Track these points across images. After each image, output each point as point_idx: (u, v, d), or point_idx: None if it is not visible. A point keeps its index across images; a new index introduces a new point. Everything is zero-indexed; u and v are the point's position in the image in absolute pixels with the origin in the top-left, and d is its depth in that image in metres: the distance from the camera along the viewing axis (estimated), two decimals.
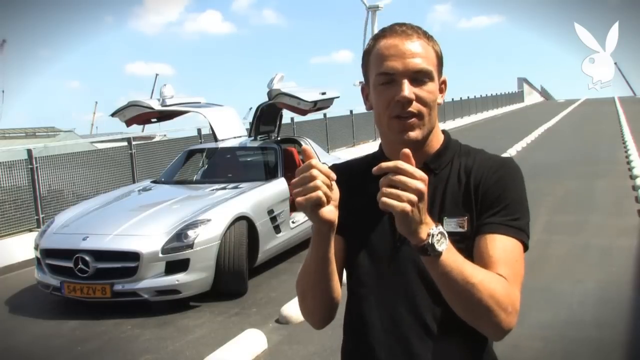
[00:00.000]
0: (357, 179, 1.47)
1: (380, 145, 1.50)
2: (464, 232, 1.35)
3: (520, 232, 1.34)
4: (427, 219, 1.18)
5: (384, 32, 1.40)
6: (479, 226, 1.35)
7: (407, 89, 1.33)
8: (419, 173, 1.14)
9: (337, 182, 1.46)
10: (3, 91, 69.10)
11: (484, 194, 1.37)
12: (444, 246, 1.18)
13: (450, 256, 1.20)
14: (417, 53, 1.35)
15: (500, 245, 1.32)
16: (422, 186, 1.14)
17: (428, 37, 1.40)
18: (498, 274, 1.27)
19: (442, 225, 1.33)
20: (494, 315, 1.24)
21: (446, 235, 1.19)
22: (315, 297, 1.40)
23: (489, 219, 1.34)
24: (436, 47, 1.41)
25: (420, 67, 1.35)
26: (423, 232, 1.17)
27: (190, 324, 5.22)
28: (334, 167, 1.52)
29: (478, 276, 1.23)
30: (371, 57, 1.40)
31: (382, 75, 1.36)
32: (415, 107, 1.35)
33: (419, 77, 1.35)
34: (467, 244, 1.34)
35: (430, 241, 1.17)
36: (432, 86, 1.37)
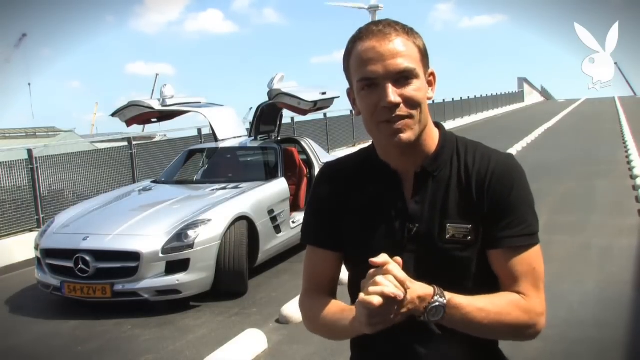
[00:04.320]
0: (353, 178, 1.44)
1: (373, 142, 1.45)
2: (468, 242, 1.34)
3: (534, 237, 1.35)
4: (417, 295, 1.22)
5: (360, 34, 1.34)
6: (495, 240, 1.33)
7: (392, 94, 1.28)
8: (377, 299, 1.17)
9: (332, 182, 1.47)
10: (30, 84, 69.67)
11: (492, 204, 1.34)
12: (440, 315, 1.24)
13: (449, 317, 1.24)
14: (397, 53, 1.29)
15: (519, 259, 1.33)
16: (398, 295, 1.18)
17: (408, 32, 1.33)
18: (516, 291, 1.31)
19: (446, 231, 1.34)
20: (517, 335, 1.33)
21: (444, 303, 1.23)
22: (334, 338, 1.47)
23: (503, 232, 1.33)
24: (418, 42, 1.34)
25: (403, 67, 1.29)
26: (420, 307, 1.23)
27: (190, 324, 5.22)
28: (327, 167, 1.52)
29: (489, 315, 1.27)
30: (351, 61, 1.35)
31: (364, 81, 1.31)
32: (403, 109, 1.30)
33: (403, 77, 1.30)
34: (471, 252, 1.34)
35: (426, 317, 1.24)
36: (418, 84, 1.31)
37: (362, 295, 1.18)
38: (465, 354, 1.36)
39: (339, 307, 1.39)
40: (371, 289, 1.17)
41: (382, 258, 1.20)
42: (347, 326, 1.32)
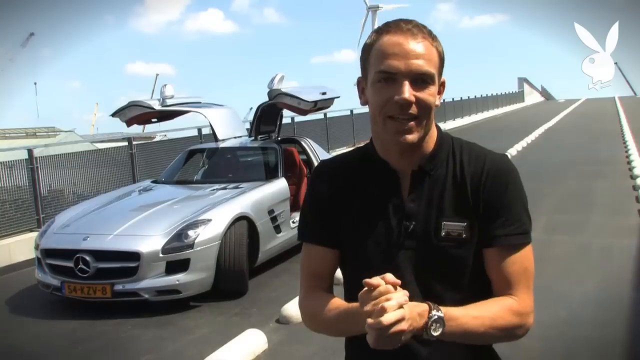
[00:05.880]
0: (349, 175, 1.45)
1: (372, 139, 1.46)
2: (463, 239, 1.35)
3: (527, 236, 1.37)
4: (416, 312, 1.22)
5: (389, 27, 1.36)
6: (490, 238, 1.35)
7: (408, 91, 1.31)
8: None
9: (328, 179, 1.48)
10: (35, 83, 69.78)
11: (487, 203, 1.36)
12: (440, 330, 1.24)
13: (448, 330, 1.25)
14: (421, 54, 1.32)
15: (513, 258, 1.35)
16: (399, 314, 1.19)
17: (433, 37, 1.37)
18: (509, 292, 1.34)
19: (441, 229, 1.35)
20: (509, 337, 1.34)
21: (441, 316, 1.24)
22: (337, 335, 1.48)
23: (497, 231, 1.35)
24: (439, 48, 1.37)
25: (424, 70, 1.32)
26: (420, 324, 1.23)
27: (190, 324, 5.22)
28: (322, 165, 1.53)
29: (484, 322, 1.29)
30: (372, 52, 1.36)
31: (382, 73, 1.33)
32: (414, 109, 1.32)
33: (421, 80, 1.32)
34: (467, 249, 1.35)
35: (427, 332, 1.24)
36: (432, 89, 1.34)
37: (369, 320, 1.19)
38: (461, 352, 1.37)
39: (339, 304, 1.40)
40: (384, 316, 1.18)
41: (377, 280, 1.22)
42: (349, 324, 1.34)
